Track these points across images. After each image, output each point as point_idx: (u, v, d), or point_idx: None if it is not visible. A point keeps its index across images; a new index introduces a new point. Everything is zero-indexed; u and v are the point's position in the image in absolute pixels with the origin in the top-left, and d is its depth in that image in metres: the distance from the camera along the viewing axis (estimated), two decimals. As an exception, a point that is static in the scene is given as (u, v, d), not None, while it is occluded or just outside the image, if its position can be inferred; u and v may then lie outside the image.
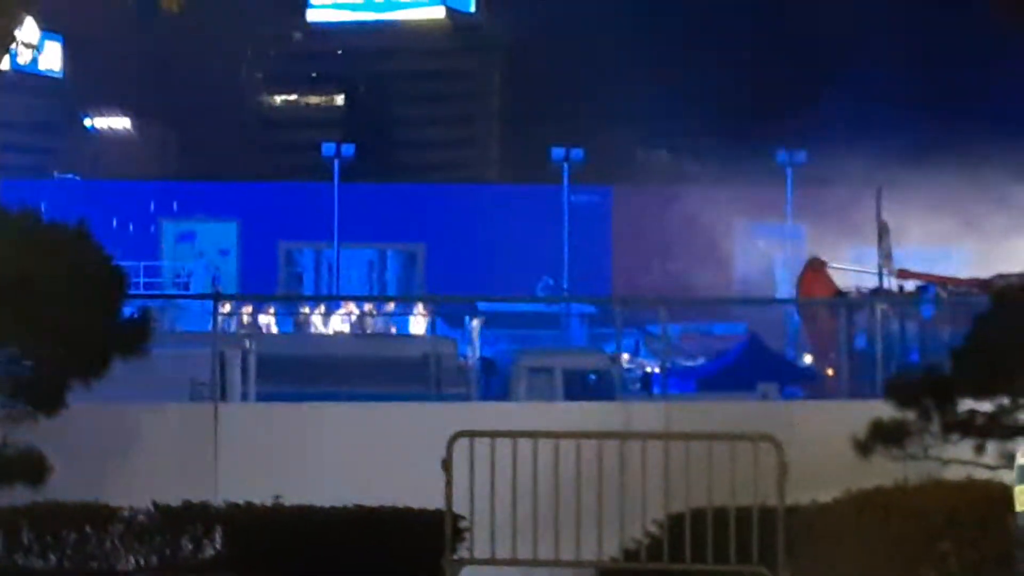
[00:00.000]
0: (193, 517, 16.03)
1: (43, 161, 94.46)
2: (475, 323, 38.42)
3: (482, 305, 42.34)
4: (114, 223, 64.95)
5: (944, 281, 44.39)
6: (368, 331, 43.85)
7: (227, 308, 36.42)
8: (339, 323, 45.97)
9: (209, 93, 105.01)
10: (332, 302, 51.67)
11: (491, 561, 15.17)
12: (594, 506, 15.07)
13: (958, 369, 15.68)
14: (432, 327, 32.28)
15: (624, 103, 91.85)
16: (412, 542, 15.72)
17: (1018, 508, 5.14)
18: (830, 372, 36.58)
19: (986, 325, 15.78)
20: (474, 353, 35.94)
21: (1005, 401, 15.39)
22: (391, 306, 46.63)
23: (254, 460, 18.18)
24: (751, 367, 37.07)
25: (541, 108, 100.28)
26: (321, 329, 44.87)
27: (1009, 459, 14.02)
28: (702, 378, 38.11)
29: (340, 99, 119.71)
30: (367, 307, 45.85)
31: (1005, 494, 11.84)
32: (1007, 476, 13.35)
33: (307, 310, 46.96)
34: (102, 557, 15.87)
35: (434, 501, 15.26)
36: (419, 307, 40.86)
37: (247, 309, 42.89)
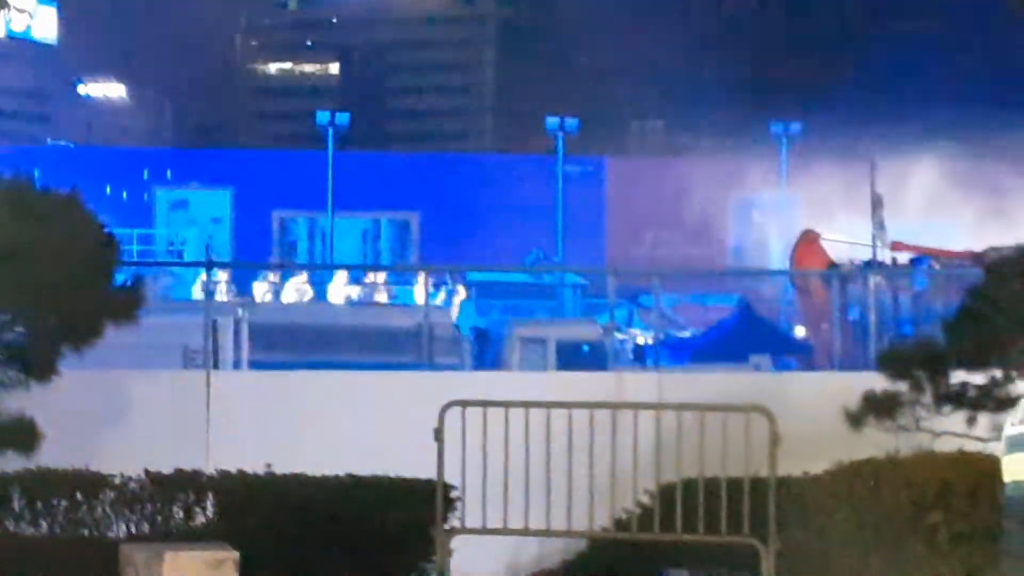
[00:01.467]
0: (184, 485, 16.04)
1: (37, 128, 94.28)
2: (458, 291, 38.44)
3: (474, 275, 42.33)
4: (107, 190, 64.84)
5: (938, 253, 44.43)
6: (361, 300, 43.83)
7: (220, 277, 36.40)
8: (333, 292, 45.92)
9: (204, 61, 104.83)
10: (325, 271, 51.63)
11: (482, 531, 15.19)
12: (585, 476, 15.09)
13: (951, 341, 15.68)
14: (425, 297, 32.22)
15: (620, 73, 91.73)
16: (403, 511, 15.74)
17: (1006, 479, 5.12)
18: (823, 344, 36.61)
19: (979, 297, 15.78)
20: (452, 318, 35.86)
21: (997, 373, 15.39)
22: (380, 277, 46.49)
23: (246, 428, 18.20)
24: (744, 338, 37.06)
25: (536, 78, 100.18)
26: (310, 297, 44.84)
27: (1000, 431, 14.03)
28: (695, 349, 38.10)
29: (335, 68, 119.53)
30: (377, 277, 45.64)
31: (995, 466, 11.84)
32: (998, 448, 13.37)
33: (292, 278, 46.78)
34: (93, 524, 15.88)
35: (426, 470, 15.28)
36: (420, 277, 40.71)
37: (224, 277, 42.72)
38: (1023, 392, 14.41)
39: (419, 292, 39.57)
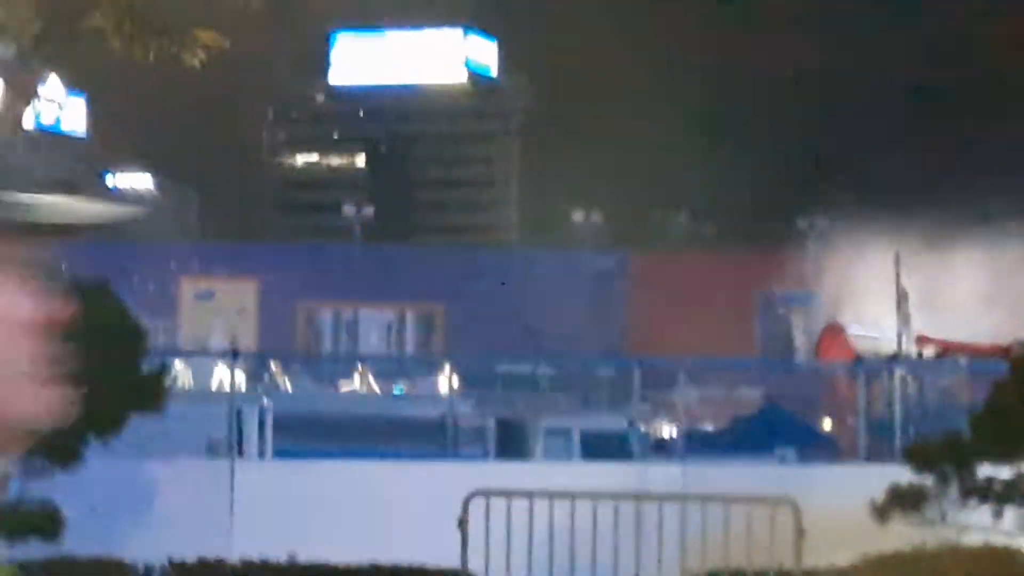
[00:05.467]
0: (208, 573, 16.01)
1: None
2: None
3: (501, 366, 42.29)
4: (134, 283, 65.11)
5: (963, 348, 44.30)
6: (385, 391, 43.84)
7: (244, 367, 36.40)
8: (357, 382, 45.88)
9: (232, 154, 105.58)
10: (350, 362, 51.61)
11: (506, 621, 15.11)
12: (610, 567, 15.02)
13: (976, 435, 15.62)
14: (450, 387, 32.21)
15: (643, 167, 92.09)
16: (427, 601, 15.68)
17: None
18: (848, 437, 36.49)
19: (1004, 391, 15.73)
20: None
21: (1023, 467, 15.33)
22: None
23: (270, 517, 18.16)
24: (769, 431, 36.91)
25: (560, 172, 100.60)
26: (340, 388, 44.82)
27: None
28: (720, 442, 37.95)
29: (361, 161, 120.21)
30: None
31: (1021, 560, 11.79)
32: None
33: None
34: (116, 612, 15.85)
35: (450, 560, 15.23)
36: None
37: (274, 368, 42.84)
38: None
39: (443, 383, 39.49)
